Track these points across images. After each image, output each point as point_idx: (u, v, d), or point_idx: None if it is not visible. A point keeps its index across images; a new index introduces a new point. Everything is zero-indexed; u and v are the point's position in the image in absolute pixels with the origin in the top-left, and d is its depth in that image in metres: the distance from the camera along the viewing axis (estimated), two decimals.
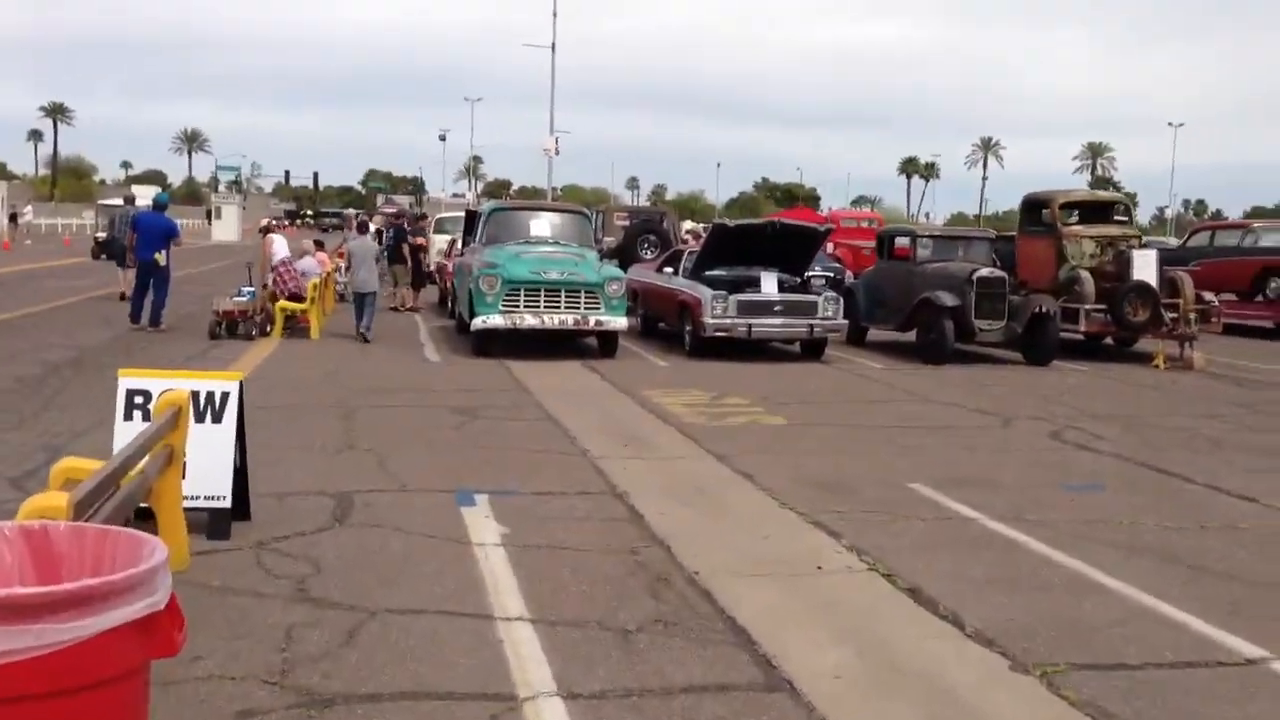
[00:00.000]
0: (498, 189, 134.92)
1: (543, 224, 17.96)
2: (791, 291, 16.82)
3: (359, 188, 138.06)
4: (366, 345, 16.75)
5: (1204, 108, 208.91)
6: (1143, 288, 17.05)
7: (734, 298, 16.14)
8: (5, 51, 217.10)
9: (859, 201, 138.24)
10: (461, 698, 4.43)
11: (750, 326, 16.10)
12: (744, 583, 6.02)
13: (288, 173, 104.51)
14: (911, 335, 17.45)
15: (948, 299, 16.50)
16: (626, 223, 25.86)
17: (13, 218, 60.58)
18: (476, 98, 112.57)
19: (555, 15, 50.32)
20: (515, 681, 4.60)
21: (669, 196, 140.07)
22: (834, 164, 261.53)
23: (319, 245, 22.05)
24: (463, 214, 24.15)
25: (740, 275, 16.97)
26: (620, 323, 16.05)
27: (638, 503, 7.66)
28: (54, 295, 23.19)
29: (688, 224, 47.62)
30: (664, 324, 18.46)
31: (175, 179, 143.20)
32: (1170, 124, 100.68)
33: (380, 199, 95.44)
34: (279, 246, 19.91)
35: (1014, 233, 20.23)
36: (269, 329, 17.45)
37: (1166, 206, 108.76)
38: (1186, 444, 10.68)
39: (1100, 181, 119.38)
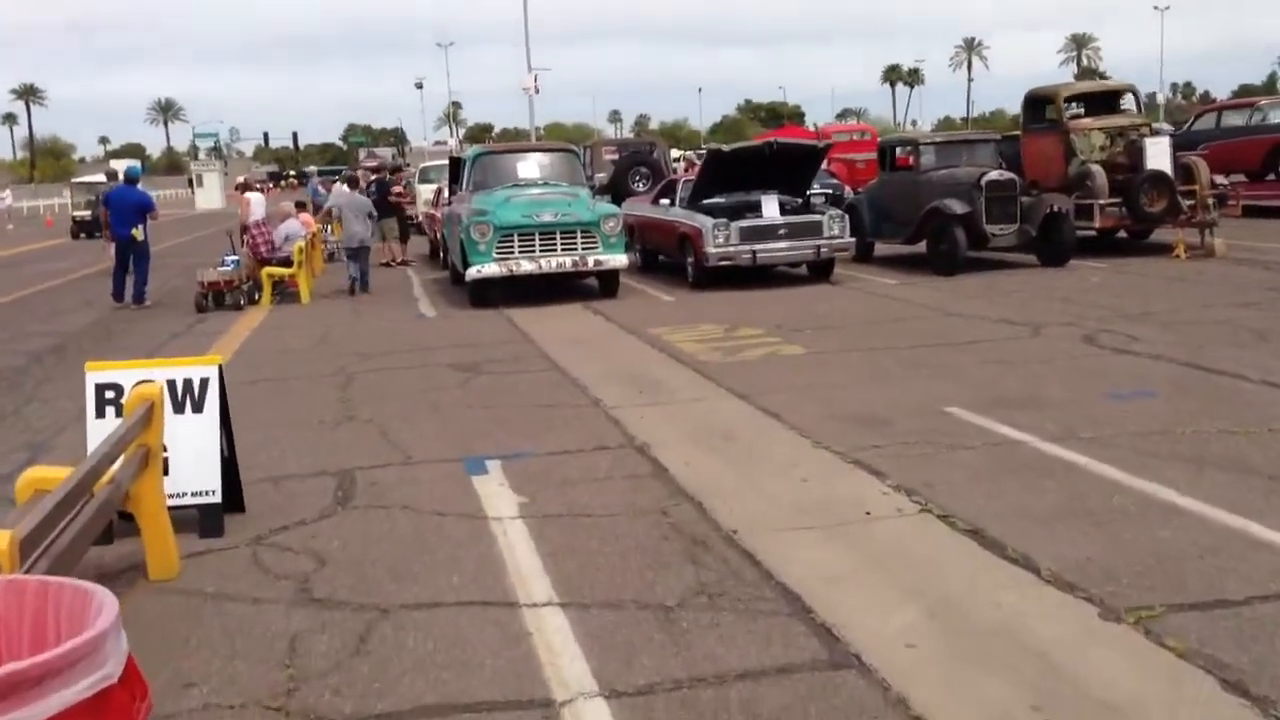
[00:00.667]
0: (480, 134, 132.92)
1: (530, 165, 17.23)
2: (794, 213, 16.17)
3: (340, 143, 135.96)
4: (359, 305, 16.17)
5: None
6: (1158, 176, 16.40)
7: (735, 224, 15.48)
8: None
9: (844, 114, 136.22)
10: (491, 708, 3.91)
11: (755, 253, 15.47)
12: (788, 538, 5.49)
13: (266, 135, 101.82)
14: (921, 247, 16.79)
15: (957, 206, 15.86)
16: (615, 157, 25.04)
17: None
18: (449, 42, 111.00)
19: None
20: (550, 681, 4.09)
21: (653, 126, 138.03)
22: (816, 79, 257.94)
23: (301, 206, 21.37)
24: (447, 161, 23.40)
25: (740, 201, 16.32)
26: (620, 260, 15.42)
27: (661, 455, 7.12)
28: (34, 280, 22.54)
29: (675, 152, 46.64)
30: (664, 257, 17.82)
31: (154, 150, 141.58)
32: (1156, 8, 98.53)
33: (362, 153, 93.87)
34: (255, 207, 19.24)
35: (1017, 133, 19.54)
36: (257, 296, 16.85)
37: (1156, 92, 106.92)
38: (1230, 338, 10.10)
39: (1086, 73, 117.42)
